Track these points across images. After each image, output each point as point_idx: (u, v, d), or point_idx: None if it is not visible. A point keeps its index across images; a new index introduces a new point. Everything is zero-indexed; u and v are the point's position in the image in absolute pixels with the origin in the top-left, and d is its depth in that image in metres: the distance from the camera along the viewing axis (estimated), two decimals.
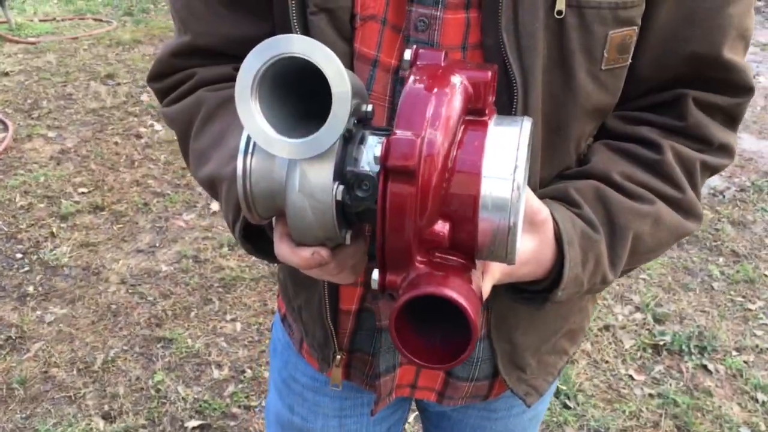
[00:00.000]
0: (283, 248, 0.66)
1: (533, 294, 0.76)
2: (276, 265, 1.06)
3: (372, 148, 0.61)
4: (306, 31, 0.75)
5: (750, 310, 2.93)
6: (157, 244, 3.00)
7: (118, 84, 4.21)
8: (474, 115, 0.57)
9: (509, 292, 0.78)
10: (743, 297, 2.99)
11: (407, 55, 0.59)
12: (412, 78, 0.56)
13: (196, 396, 2.33)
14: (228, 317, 2.65)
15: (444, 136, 0.54)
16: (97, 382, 2.37)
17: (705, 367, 2.66)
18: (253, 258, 2.94)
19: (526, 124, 0.57)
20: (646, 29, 0.75)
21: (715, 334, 2.77)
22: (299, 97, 0.64)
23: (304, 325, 0.98)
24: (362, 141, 0.62)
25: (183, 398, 2.32)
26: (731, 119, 0.81)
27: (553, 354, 0.97)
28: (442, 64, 0.58)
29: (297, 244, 0.65)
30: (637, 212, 0.76)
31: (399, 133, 0.53)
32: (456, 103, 0.55)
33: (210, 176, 0.81)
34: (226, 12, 0.81)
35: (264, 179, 0.62)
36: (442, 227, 0.55)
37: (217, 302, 2.72)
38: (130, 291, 2.75)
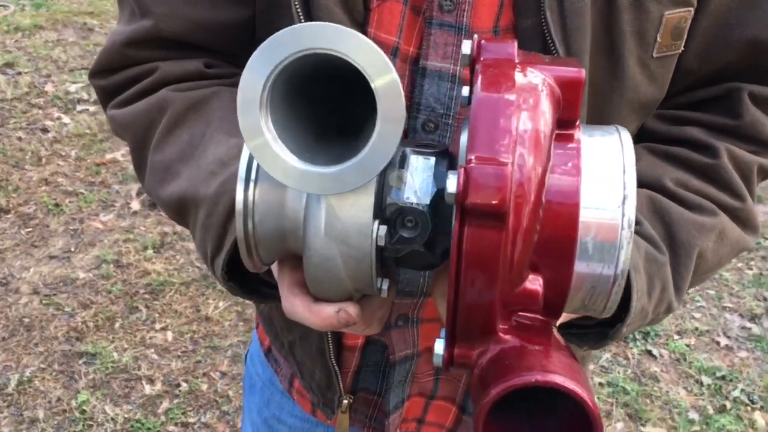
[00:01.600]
0: (295, 304, 0.51)
1: (586, 329, 0.64)
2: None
3: (418, 173, 0.47)
4: (308, 14, 0.60)
5: (687, 293, 2.96)
6: (73, 249, 2.75)
7: (19, 74, 3.85)
8: (563, 127, 0.43)
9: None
10: None
11: (466, 47, 0.45)
12: (481, 80, 0.42)
13: (126, 415, 2.15)
14: (157, 326, 2.46)
15: (536, 161, 0.40)
16: (13, 405, 2.15)
17: (650, 352, 2.67)
18: (183, 260, 2.75)
19: (625, 135, 0.45)
20: (699, 11, 0.65)
21: None
22: (309, 105, 0.49)
23: (298, 364, 0.84)
24: (403, 163, 0.47)
25: (112, 419, 2.14)
26: None
27: None
28: (516, 60, 0.44)
29: (315, 298, 0.50)
30: (701, 226, 0.66)
31: (478, 160, 0.39)
32: (546, 114, 0.41)
33: (179, 197, 0.66)
34: None
35: (271, 215, 0.47)
36: (534, 282, 0.41)
37: (144, 310, 2.52)
38: (44, 302, 2.51)
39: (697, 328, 2.74)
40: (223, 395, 2.24)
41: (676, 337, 2.71)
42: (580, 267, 0.43)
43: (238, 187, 0.47)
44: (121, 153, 3.25)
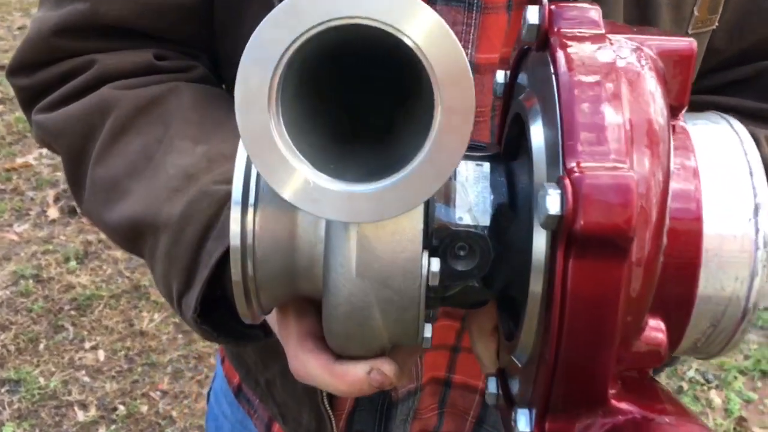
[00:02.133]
0: (310, 365, 0.40)
1: None
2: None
3: (473, 185, 0.36)
4: None
5: None
6: None
7: None
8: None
9: None
10: None
11: (532, 16, 0.34)
12: (565, 57, 0.31)
13: None
14: (87, 345, 2.26)
15: (656, 164, 0.30)
16: None
17: None
18: (110, 270, 2.57)
19: (738, 125, 0.35)
20: None
21: None
22: (317, 103, 0.36)
23: (278, 407, 0.73)
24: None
25: None
26: None
27: None
28: (603, 30, 0.33)
29: (337, 355, 0.38)
30: None
31: (584, 167, 0.28)
32: (657, 97, 0.31)
33: (132, 220, 0.54)
34: None
35: (278, 251, 0.35)
36: (656, 331, 0.31)
37: (70, 329, 2.33)
38: None
39: None
40: (165, 416, 2.09)
41: None
42: (701, 302, 0.33)
43: (232, 214, 0.34)
44: (33, 156, 3.01)
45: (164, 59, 0.61)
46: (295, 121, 0.31)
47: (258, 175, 0.35)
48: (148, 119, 0.57)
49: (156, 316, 2.38)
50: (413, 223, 0.33)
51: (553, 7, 0.34)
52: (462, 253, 0.35)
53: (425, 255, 0.34)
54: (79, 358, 2.21)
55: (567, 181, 0.28)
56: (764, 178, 0.33)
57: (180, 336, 2.34)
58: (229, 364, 0.81)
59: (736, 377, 2.24)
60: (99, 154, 0.58)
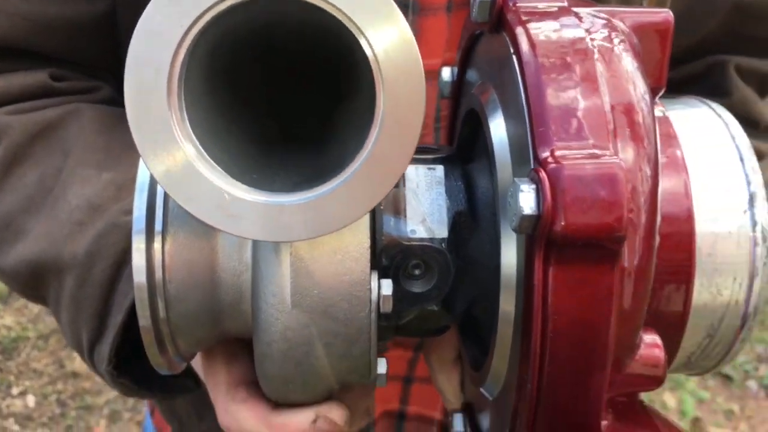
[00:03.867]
0: (242, 417, 0.34)
1: None
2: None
3: (425, 192, 0.31)
4: None
5: None
6: None
7: None
8: None
9: None
10: None
11: None
12: (526, 35, 0.27)
13: None
14: (14, 391, 2.15)
15: (641, 152, 0.25)
16: None
17: None
18: (36, 309, 2.44)
19: (722, 109, 0.31)
20: None
21: None
22: (230, 100, 0.31)
23: None
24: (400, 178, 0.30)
25: None
26: (766, 91, 0.65)
27: None
28: (566, 3, 0.29)
29: (275, 403, 0.32)
30: None
31: (560, 156, 0.24)
32: (636, 76, 0.27)
33: (29, 263, 0.48)
34: None
35: (195, 286, 0.30)
36: (653, 348, 0.26)
37: None
38: None
39: None
40: None
41: None
42: (695, 310, 0.28)
43: (134, 245, 0.28)
44: None
45: (61, 80, 0.55)
46: (206, 122, 0.26)
47: (165, 195, 0.29)
48: (45, 146, 0.51)
49: None
50: (358, 239, 0.28)
51: None
52: (417, 272, 0.30)
53: (374, 277, 0.28)
54: (7, 406, 2.10)
55: (543, 174, 0.23)
56: (756, 163, 0.29)
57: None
58: (160, 416, 0.74)
59: (687, 378, 2.25)
60: None
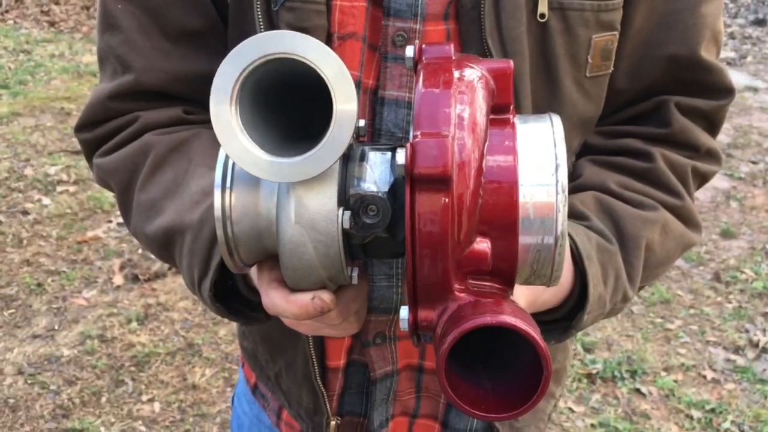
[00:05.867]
0: (274, 297, 0.55)
1: (552, 324, 0.68)
2: (238, 332, 0.95)
3: (378, 166, 0.52)
4: None
5: (670, 329, 3.00)
6: (56, 327, 2.74)
7: None
8: (498, 112, 0.49)
9: None
10: (662, 318, 3.06)
11: (409, 51, 0.51)
12: (423, 76, 0.48)
13: None
14: (144, 398, 2.43)
15: (474, 137, 0.46)
16: None
17: (638, 390, 2.68)
18: (167, 330, 2.75)
19: (556, 119, 0.50)
20: (623, 35, 0.72)
21: (643, 357, 2.80)
22: (278, 117, 0.54)
23: (284, 394, 0.87)
24: (363, 158, 0.52)
25: None
26: (713, 125, 0.78)
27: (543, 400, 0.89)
28: (454, 57, 0.49)
29: (292, 289, 0.54)
30: (645, 219, 0.71)
31: (422, 135, 0.44)
32: (480, 98, 0.47)
33: (166, 228, 0.69)
34: (172, 47, 0.72)
35: (248, 215, 0.51)
36: (481, 244, 0.46)
37: (130, 383, 2.50)
38: (29, 381, 2.48)
39: (683, 364, 2.76)
40: None
41: (663, 373, 2.72)
42: (524, 233, 0.47)
43: (215, 193, 0.51)
44: (102, 230, 3.28)
45: (191, 114, 0.77)
46: (252, 122, 0.49)
47: (233, 165, 0.53)
48: (178, 156, 0.73)
49: (207, 371, 2.55)
50: (331, 186, 0.50)
51: (423, 45, 0.51)
52: (371, 212, 0.51)
53: (341, 209, 0.50)
54: (137, 410, 2.37)
55: (409, 144, 0.44)
56: (564, 149, 0.48)
57: (228, 389, 2.49)
58: (248, 367, 0.96)
59: None
60: (141, 184, 0.74)
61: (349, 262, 0.53)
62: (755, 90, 5.05)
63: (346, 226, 0.50)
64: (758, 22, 6.14)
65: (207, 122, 0.76)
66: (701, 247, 3.40)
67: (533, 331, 0.42)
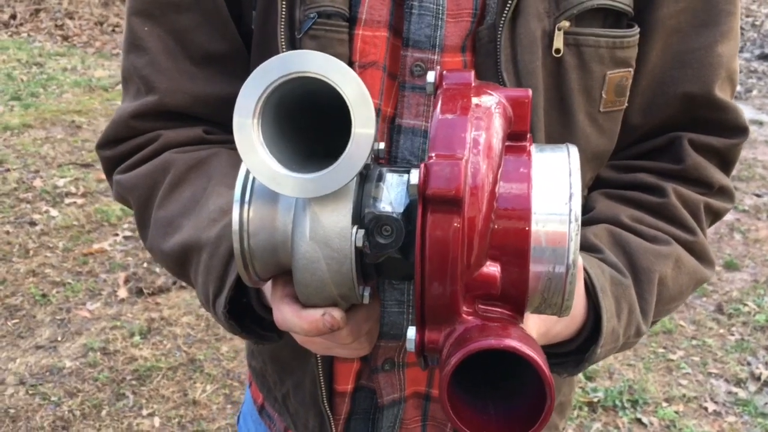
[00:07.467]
0: (285, 311, 0.56)
1: (565, 357, 0.68)
2: (247, 351, 0.95)
3: (394, 187, 0.53)
4: None
5: (672, 360, 2.99)
6: (59, 338, 2.74)
7: (8, 170, 3.94)
8: (515, 139, 0.50)
9: None
10: (664, 348, 3.05)
11: (430, 77, 0.52)
12: (441, 100, 0.49)
13: None
14: (144, 412, 2.43)
15: (488, 162, 0.47)
16: None
17: (639, 420, 2.67)
18: (170, 345, 2.75)
19: (573, 149, 0.51)
20: (638, 72, 0.73)
21: (644, 387, 2.79)
22: (299, 135, 0.55)
23: (291, 416, 0.87)
24: (380, 179, 0.53)
25: None
26: (726, 163, 0.79)
27: (545, 431, 0.88)
28: (473, 84, 0.51)
29: (304, 305, 0.55)
30: (658, 253, 0.71)
31: (437, 156, 0.46)
32: (497, 124, 0.48)
33: (183, 245, 0.70)
34: (196, 70, 0.74)
35: (264, 229, 0.53)
36: (490, 267, 0.47)
37: (131, 396, 2.50)
38: (30, 392, 2.48)
39: (684, 395, 2.75)
40: None
41: (664, 404, 2.71)
42: (535, 261, 0.48)
43: (233, 207, 0.52)
44: (108, 243, 3.29)
45: (211, 134, 0.79)
46: (273, 139, 0.50)
47: (253, 180, 0.54)
48: (197, 174, 0.74)
49: (208, 387, 2.54)
50: (346, 204, 0.51)
51: (444, 71, 0.53)
52: (386, 233, 0.52)
53: (355, 227, 0.51)
54: (137, 424, 2.35)
55: (423, 165, 0.45)
56: (579, 178, 0.49)
57: (229, 406, 2.49)
58: (255, 386, 0.96)
59: None
60: (160, 201, 0.74)
61: (361, 281, 0.54)
62: (760, 123, 5.07)
63: (359, 244, 0.51)
64: (764, 57, 6.18)
65: (227, 142, 0.79)
66: None
67: (538, 357, 0.42)
